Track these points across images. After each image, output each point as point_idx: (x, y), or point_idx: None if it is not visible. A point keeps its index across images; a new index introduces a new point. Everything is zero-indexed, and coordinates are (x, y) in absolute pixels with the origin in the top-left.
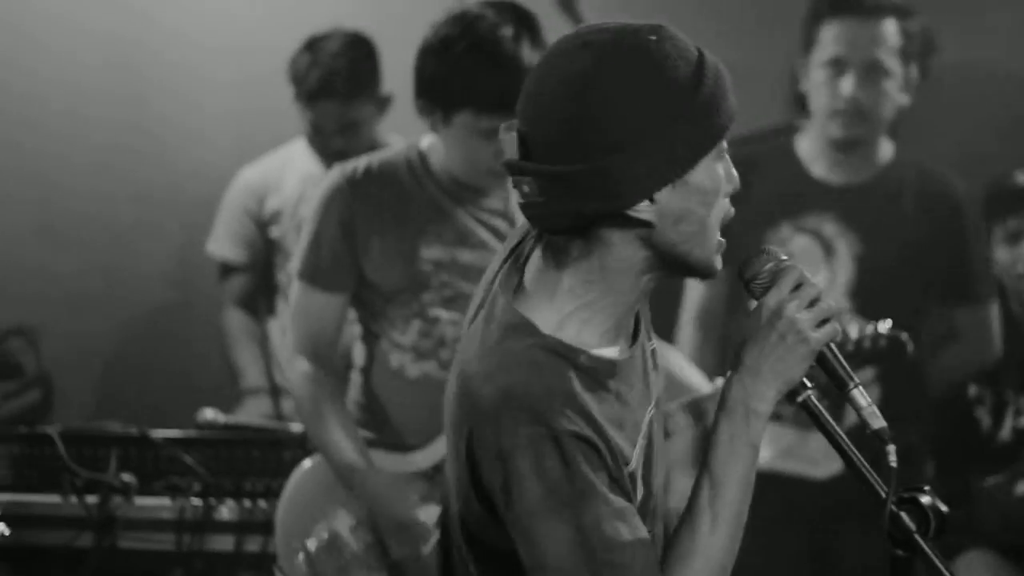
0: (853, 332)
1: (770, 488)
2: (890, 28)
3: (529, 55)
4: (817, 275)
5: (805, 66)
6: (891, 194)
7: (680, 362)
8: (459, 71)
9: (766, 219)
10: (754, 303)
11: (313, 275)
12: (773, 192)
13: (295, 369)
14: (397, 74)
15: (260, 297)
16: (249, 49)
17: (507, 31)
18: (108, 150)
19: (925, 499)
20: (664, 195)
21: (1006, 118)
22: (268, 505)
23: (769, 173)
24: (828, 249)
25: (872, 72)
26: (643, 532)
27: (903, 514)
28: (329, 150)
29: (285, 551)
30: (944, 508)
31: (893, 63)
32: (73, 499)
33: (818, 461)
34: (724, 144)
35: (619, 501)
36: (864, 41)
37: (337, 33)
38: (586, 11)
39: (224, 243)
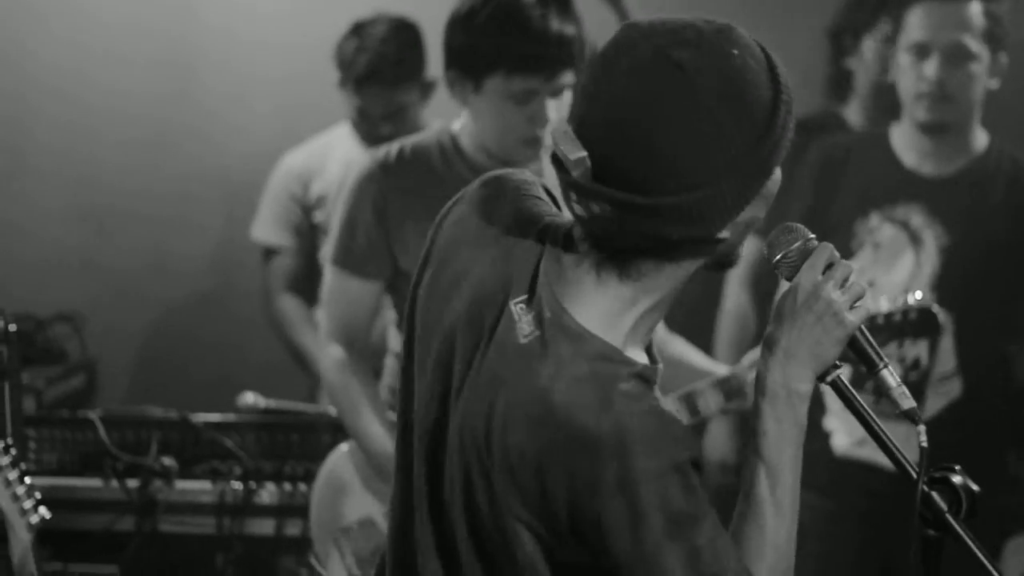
0: (884, 306)
1: (847, 475)
2: (975, 10)
3: (555, 19)
4: (904, 265)
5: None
6: (982, 185)
7: (687, 348)
8: (486, 35)
9: (857, 208)
10: (784, 282)
11: (347, 261)
12: (865, 181)
13: (328, 355)
14: (437, 59)
15: (307, 282)
16: (292, 45)
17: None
18: (153, 144)
19: (956, 479)
20: (742, 214)
21: None
22: (308, 489)
23: (862, 163)
24: (915, 239)
25: (956, 55)
26: (730, 542)
27: (934, 494)
28: (375, 135)
29: (319, 536)
30: (975, 488)
31: (978, 46)
32: (114, 483)
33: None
34: None
35: (714, 512)
36: (948, 24)
37: (383, 18)
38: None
39: (269, 227)
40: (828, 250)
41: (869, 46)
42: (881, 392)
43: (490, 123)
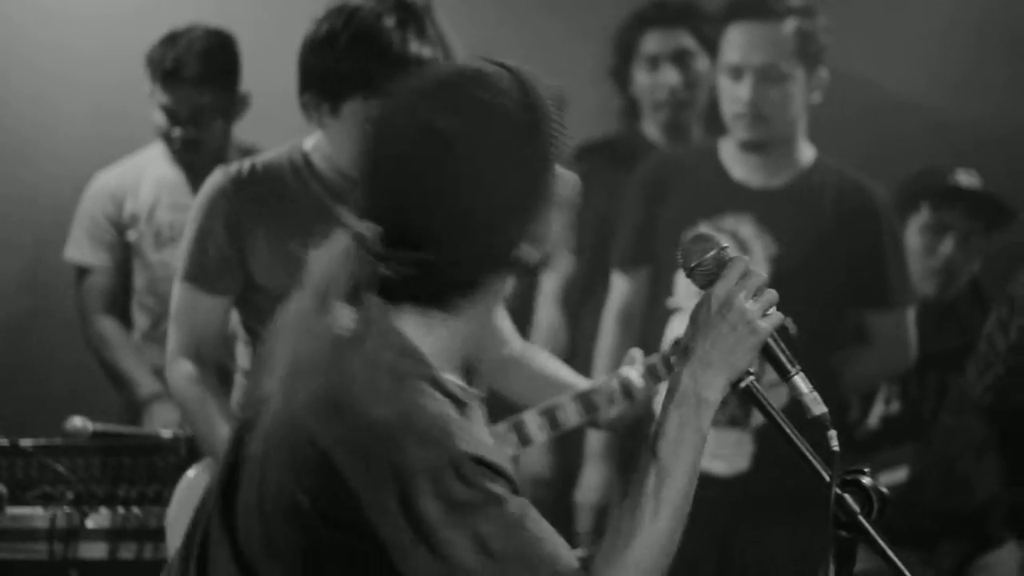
0: None
1: None
2: (787, 30)
3: (415, 43)
4: None
5: (628, 72)
6: (809, 197)
7: (554, 363)
8: (346, 59)
9: (687, 219)
10: (682, 291)
11: (197, 277)
12: (695, 193)
13: (178, 371)
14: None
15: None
16: (104, 54)
17: (389, 20)
18: None
19: (867, 481)
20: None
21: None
22: (142, 512)
23: (692, 175)
24: (744, 250)
25: (770, 76)
26: (549, 528)
27: (847, 496)
28: (179, 138)
29: None
30: (885, 490)
31: (791, 65)
32: None
33: (726, 458)
34: None
35: (521, 503)
36: (760, 46)
37: (197, 27)
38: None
39: (83, 247)
40: (742, 262)
41: (641, 74)
42: (795, 397)
43: (347, 145)
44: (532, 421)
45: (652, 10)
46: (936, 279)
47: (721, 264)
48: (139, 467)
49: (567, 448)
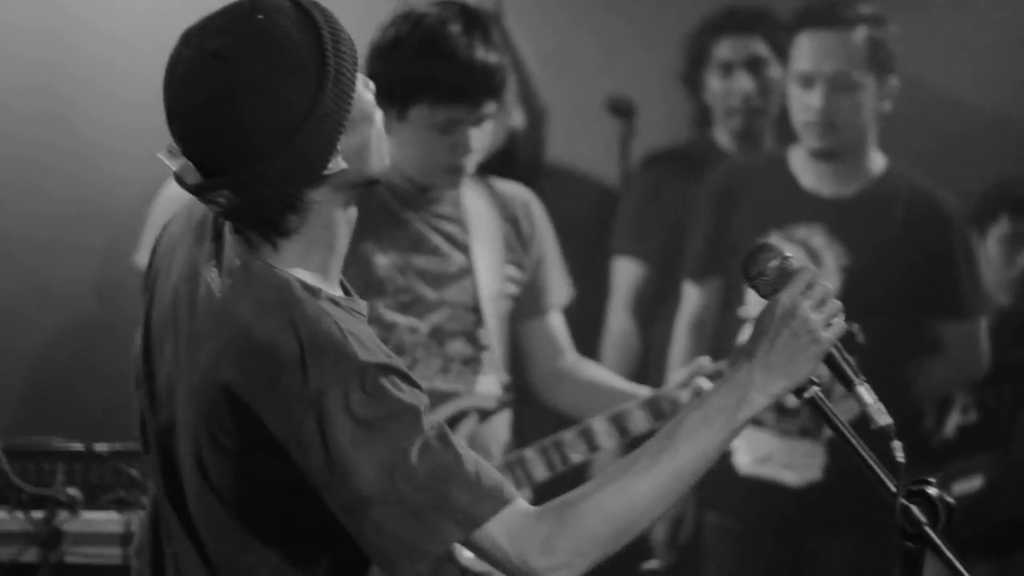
0: None
1: (749, 493)
2: (858, 38)
3: (481, 49)
4: None
5: (700, 78)
6: (880, 206)
7: (607, 373)
8: (412, 65)
9: (757, 229)
10: (752, 300)
11: None
12: (765, 202)
13: None
14: None
15: None
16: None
17: (455, 26)
18: (33, 164)
19: (933, 491)
20: (342, 141)
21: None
22: None
23: (761, 184)
24: (815, 260)
25: (841, 85)
26: (468, 450)
27: (913, 507)
28: None
29: None
30: (951, 500)
31: (862, 74)
32: (19, 514)
33: (797, 467)
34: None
35: (435, 419)
36: (831, 54)
37: None
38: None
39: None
40: (809, 272)
41: (714, 81)
42: (860, 407)
43: (413, 151)
44: (600, 427)
45: (725, 16)
46: (1013, 290)
47: (784, 274)
48: None
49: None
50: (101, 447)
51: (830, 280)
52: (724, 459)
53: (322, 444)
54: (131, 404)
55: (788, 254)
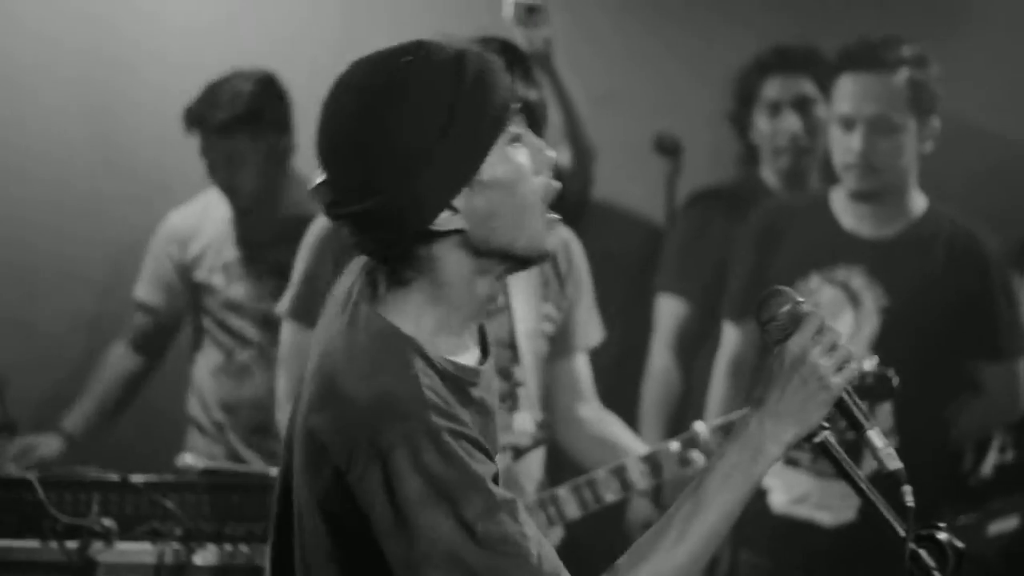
0: None
1: (784, 533)
2: (899, 80)
3: (518, 83)
4: (842, 326)
5: (748, 118)
6: (921, 248)
7: (620, 429)
8: None
9: (797, 269)
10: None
11: (307, 315)
12: (806, 243)
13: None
14: None
15: (177, 336)
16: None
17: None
18: (85, 208)
19: (943, 536)
20: (463, 200)
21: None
22: (249, 549)
23: (803, 224)
24: (855, 301)
25: (882, 127)
26: (534, 527)
27: (923, 552)
28: (217, 183)
29: None
30: (961, 544)
31: (903, 116)
32: (54, 544)
33: (832, 508)
34: (514, 128)
35: (505, 494)
36: (871, 96)
37: (235, 76)
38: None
39: (146, 287)
40: (818, 317)
41: (762, 120)
42: (870, 453)
43: None
44: (634, 467)
45: (774, 56)
46: None
47: (796, 319)
48: (248, 504)
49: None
50: (137, 478)
51: (870, 321)
52: (759, 498)
53: (387, 498)
54: (166, 435)
55: (800, 299)
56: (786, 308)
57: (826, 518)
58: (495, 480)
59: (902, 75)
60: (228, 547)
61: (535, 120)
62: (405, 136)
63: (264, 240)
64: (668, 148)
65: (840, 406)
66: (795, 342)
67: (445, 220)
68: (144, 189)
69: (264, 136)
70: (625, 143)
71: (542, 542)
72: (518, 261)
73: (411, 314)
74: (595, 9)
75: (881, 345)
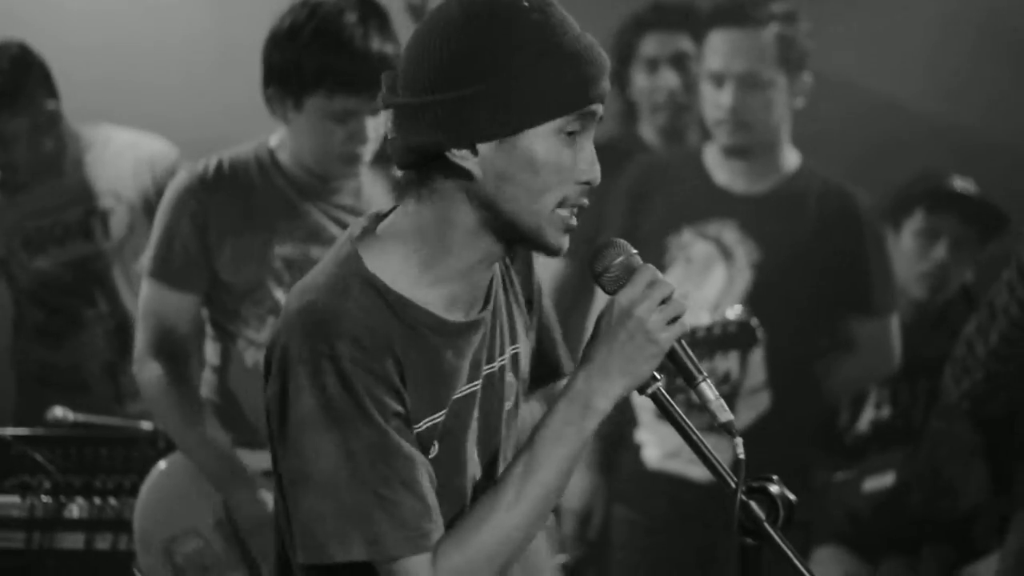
0: (704, 319)
1: (658, 488)
2: (768, 37)
3: (376, 39)
4: (715, 280)
5: (626, 74)
6: (793, 203)
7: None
8: (308, 54)
9: (670, 224)
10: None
11: (164, 273)
12: (678, 198)
13: (148, 370)
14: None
15: None
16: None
17: (352, 15)
18: None
19: (774, 488)
20: (487, 149)
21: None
22: (118, 503)
23: (676, 179)
24: (727, 255)
25: (750, 83)
26: (422, 482)
27: (752, 503)
28: (7, 163)
29: (144, 551)
30: (792, 497)
31: (772, 72)
32: None
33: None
34: (578, 127)
35: (398, 439)
36: (741, 53)
37: None
38: None
39: None
40: (649, 271)
41: (640, 77)
42: (700, 405)
43: (310, 140)
44: None
45: (651, 13)
46: (926, 283)
47: (629, 271)
48: (117, 458)
49: None
50: (6, 431)
51: (742, 276)
52: (634, 453)
53: (280, 409)
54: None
55: (633, 251)
56: (620, 259)
57: (699, 473)
58: (402, 421)
59: (771, 31)
60: (98, 500)
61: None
62: (484, 59)
63: (58, 204)
64: None
65: (672, 357)
66: (624, 295)
67: (462, 156)
68: None
69: (29, 108)
70: None
71: (425, 496)
72: (521, 237)
73: (398, 252)
74: None
75: (753, 300)
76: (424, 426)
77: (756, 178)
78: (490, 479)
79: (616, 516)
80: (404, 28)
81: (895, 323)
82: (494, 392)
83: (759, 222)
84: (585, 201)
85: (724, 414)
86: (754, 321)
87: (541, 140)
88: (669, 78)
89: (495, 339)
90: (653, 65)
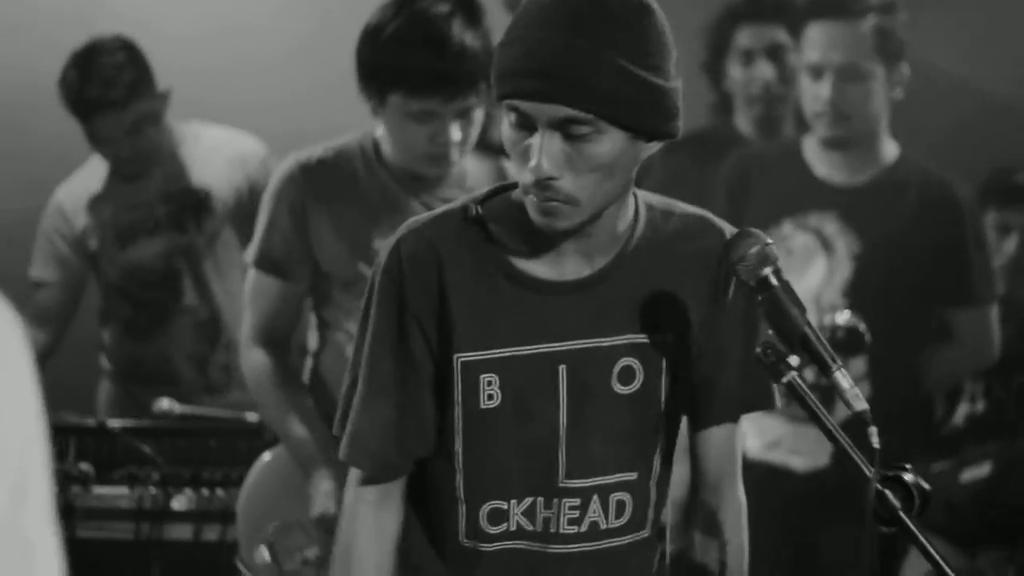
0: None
1: (758, 478)
2: (866, 28)
3: (465, 34)
4: (815, 272)
5: (721, 67)
6: (893, 194)
7: None
8: (388, 52)
9: (770, 216)
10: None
11: (267, 263)
12: (778, 190)
13: (252, 358)
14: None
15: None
16: None
17: (442, 9)
18: None
19: (908, 477)
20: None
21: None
22: (225, 494)
23: (775, 172)
24: (827, 247)
25: (850, 75)
26: (380, 407)
27: (888, 492)
28: (117, 156)
29: (246, 542)
30: (927, 486)
31: (871, 63)
32: None
33: (805, 453)
34: (514, 120)
35: (401, 357)
36: (839, 44)
37: (98, 44)
38: None
39: (40, 266)
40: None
41: (735, 69)
42: (837, 394)
43: (394, 138)
44: None
45: (745, 5)
46: (1001, 278)
47: (763, 259)
48: (224, 449)
49: None
50: (114, 423)
51: (842, 268)
52: None
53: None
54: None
55: (768, 240)
56: (755, 249)
57: (799, 463)
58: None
59: (868, 22)
60: (205, 492)
61: (475, 76)
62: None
63: (152, 198)
64: None
65: (806, 346)
66: None
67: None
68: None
69: (146, 101)
70: None
71: (401, 414)
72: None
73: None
74: None
75: (854, 291)
76: (471, 357)
77: (856, 169)
78: (583, 451)
79: None
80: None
81: (994, 313)
82: (594, 367)
83: (859, 213)
84: (544, 195)
85: (859, 403)
86: (862, 327)
87: (505, 117)
88: (765, 69)
89: (602, 313)
90: (748, 57)
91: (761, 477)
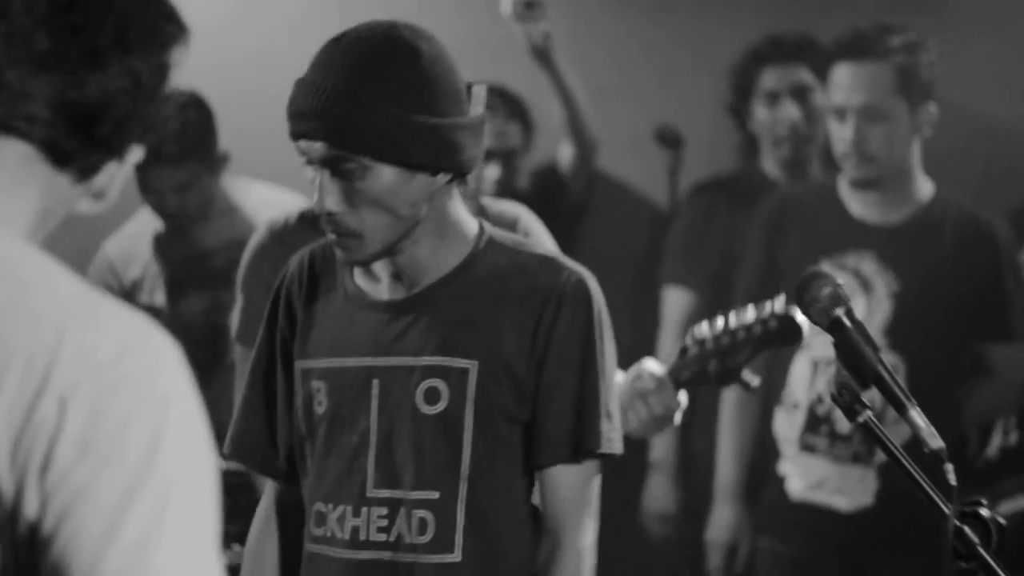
0: (749, 317)
1: (803, 519)
2: (888, 68)
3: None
4: (856, 313)
5: (747, 108)
6: (930, 232)
7: None
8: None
9: (808, 257)
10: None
11: (247, 338)
12: (815, 231)
13: None
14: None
15: None
16: None
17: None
18: None
19: (985, 512)
20: None
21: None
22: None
23: (812, 212)
24: (866, 287)
25: (872, 116)
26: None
27: (966, 528)
28: (163, 209)
29: None
30: (1003, 521)
31: (893, 104)
32: None
33: (849, 493)
34: (303, 155)
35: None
36: (861, 86)
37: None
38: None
39: None
40: None
41: (761, 110)
42: (912, 431)
43: None
44: None
45: (769, 46)
46: None
47: (835, 300)
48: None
49: (694, 485)
50: None
51: (882, 307)
52: (778, 485)
53: None
54: None
55: (839, 281)
56: (827, 290)
57: (843, 503)
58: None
59: (890, 63)
60: (236, 547)
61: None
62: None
63: (203, 252)
64: (669, 140)
65: (880, 385)
66: None
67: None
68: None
69: (207, 157)
70: (626, 135)
71: (259, 414)
72: None
73: None
74: (594, 1)
75: (893, 331)
76: (307, 365)
77: (891, 208)
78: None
79: (761, 548)
80: (528, 72)
81: None
82: (400, 384)
83: (897, 252)
84: (330, 229)
85: (935, 441)
86: (798, 314)
87: None
88: (790, 110)
89: (415, 334)
90: (773, 98)
91: (806, 518)
